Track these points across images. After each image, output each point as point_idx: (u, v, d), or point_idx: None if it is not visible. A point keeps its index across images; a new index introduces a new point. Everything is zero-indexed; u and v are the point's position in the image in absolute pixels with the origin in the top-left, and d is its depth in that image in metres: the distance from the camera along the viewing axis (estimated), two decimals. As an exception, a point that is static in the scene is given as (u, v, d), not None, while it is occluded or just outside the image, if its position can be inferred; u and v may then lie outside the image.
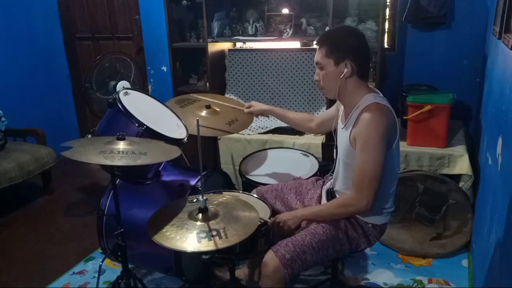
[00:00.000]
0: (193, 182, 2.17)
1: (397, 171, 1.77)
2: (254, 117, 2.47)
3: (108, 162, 1.55)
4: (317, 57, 1.70)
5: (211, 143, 2.82)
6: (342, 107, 1.83)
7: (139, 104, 2.06)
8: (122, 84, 3.05)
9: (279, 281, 1.63)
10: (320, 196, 1.97)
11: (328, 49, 1.66)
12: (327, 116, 2.05)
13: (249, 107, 2.29)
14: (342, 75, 1.66)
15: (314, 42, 1.75)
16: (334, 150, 1.91)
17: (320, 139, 2.98)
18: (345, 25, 2.87)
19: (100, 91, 3.10)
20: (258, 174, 2.44)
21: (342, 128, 1.77)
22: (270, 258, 1.64)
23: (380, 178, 1.61)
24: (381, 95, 1.73)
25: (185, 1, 3.24)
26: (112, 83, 3.08)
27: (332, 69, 1.67)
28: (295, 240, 1.68)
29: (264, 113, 2.33)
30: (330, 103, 2.91)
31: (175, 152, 1.74)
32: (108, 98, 3.00)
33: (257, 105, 2.27)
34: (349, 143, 1.68)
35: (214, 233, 1.43)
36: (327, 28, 2.97)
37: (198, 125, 1.50)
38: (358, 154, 1.63)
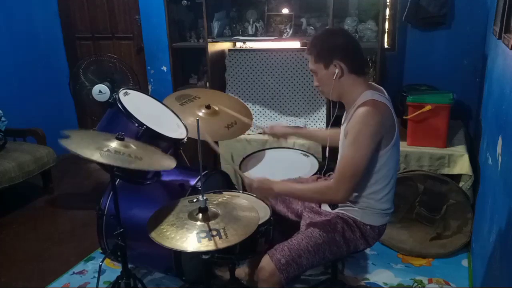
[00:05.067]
0: (193, 182, 2.17)
1: (396, 173, 1.76)
2: (254, 119, 2.48)
3: (102, 160, 1.55)
4: (310, 65, 1.75)
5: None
6: None
7: (139, 104, 2.06)
8: (99, 88, 3.05)
9: (275, 285, 1.64)
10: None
11: (316, 54, 1.69)
12: None
13: (271, 128, 2.19)
14: (335, 76, 1.67)
15: (306, 52, 1.78)
16: (327, 148, 1.97)
17: (320, 139, 2.97)
18: (328, 28, 2.83)
19: (90, 90, 3.12)
20: (258, 174, 2.43)
21: (342, 125, 1.79)
22: (266, 263, 1.65)
23: (362, 174, 1.61)
24: (384, 92, 1.72)
25: (185, 1, 3.24)
26: (99, 85, 3.09)
27: (323, 73, 1.70)
28: (291, 244, 1.69)
29: (287, 136, 2.21)
30: (330, 103, 2.92)
31: (169, 163, 1.73)
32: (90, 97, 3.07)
33: (280, 128, 2.20)
34: (344, 139, 1.69)
35: (214, 233, 1.43)
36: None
37: (198, 126, 1.49)
38: (346, 147, 1.63)
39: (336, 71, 1.67)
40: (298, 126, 2.32)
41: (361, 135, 1.58)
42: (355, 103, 1.67)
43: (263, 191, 1.78)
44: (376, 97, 1.64)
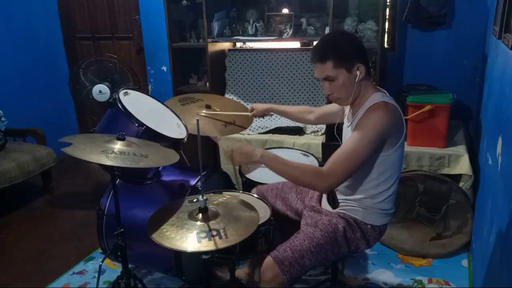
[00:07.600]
0: (193, 182, 2.17)
1: (400, 173, 1.76)
2: (254, 118, 2.48)
3: (110, 163, 1.55)
4: (324, 72, 1.65)
5: (211, 143, 2.82)
6: (348, 106, 1.82)
7: (139, 104, 2.06)
8: (99, 88, 3.06)
9: (278, 286, 1.63)
10: (321, 195, 1.97)
11: (336, 60, 1.62)
12: (328, 111, 2.06)
13: (252, 110, 2.33)
14: (357, 79, 1.64)
15: (314, 60, 1.68)
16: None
17: (320, 139, 2.98)
18: (333, 32, 2.75)
19: (90, 90, 3.12)
20: (258, 174, 2.43)
21: (348, 127, 1.76)
22: (269, 265, 1.64)
23: (356, 168, 1.58)
24: (388, 94, 1.72)
25: (185, 1, 3.24)
26: (99, 85, 3.09)
27: (346, 77, 1.64)
28: (293, 245, 1.68)
29: (265, 112, 2.34)
30: (330, 103, 2.91)
31: (174, 156, 1.74)
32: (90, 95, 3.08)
33: (258, 107, 2.31)
34: None
35: (214, 233, 1.43)
36: (327, 28, 2.98)
37: (198, 125, 1.50)
38: (349, 138, 1.61)
39: (358, 73, 1.63)
40: (274, 104, 2.60)
41: (368, 130, 1.57)
42: (364, 104, 1.67)
43: (244, 156, 1.69)
44: (386, 99, 1.64)
